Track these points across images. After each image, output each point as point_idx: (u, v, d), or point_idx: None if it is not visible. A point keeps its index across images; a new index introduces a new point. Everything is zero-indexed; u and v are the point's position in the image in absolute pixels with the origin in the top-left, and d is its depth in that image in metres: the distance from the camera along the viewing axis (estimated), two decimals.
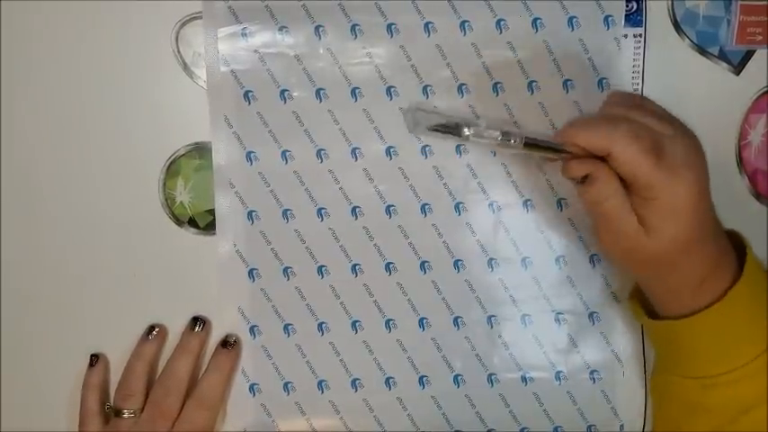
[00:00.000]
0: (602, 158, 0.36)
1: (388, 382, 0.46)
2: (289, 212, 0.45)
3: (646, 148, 0.35)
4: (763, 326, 0.38)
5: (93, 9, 0.43)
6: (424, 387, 0.47)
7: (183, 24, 0.43)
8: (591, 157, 0.37)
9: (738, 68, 0.46)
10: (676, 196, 0.35)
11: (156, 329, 0.45)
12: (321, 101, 0.44)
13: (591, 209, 0.39)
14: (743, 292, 0.37)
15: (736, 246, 0.40)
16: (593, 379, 0.47)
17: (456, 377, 0.47)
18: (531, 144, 0.39)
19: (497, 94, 0.44)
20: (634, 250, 0.38)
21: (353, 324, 0.46)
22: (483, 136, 0.39)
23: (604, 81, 0.45)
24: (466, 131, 0.39)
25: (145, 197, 0.44)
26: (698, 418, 0.40)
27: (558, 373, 0.47)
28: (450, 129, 0.40)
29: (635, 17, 0.44)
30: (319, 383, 0.46)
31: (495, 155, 0.45)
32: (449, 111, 0.44)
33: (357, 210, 0.45)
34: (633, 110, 0.37)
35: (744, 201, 0.47)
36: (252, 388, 0.46)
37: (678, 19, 0.45)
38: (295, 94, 0.44)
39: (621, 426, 0.48)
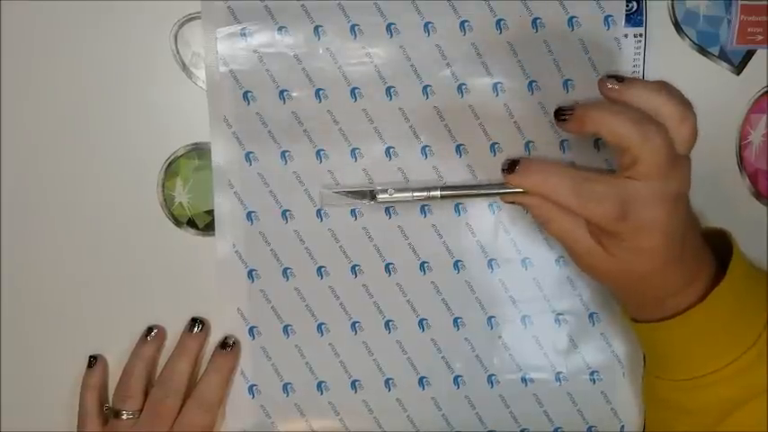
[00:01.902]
0: None
1: (387, 383, 0.46)
2: (288, 213, 0.45)
3: (608, 213, 0.34)
4: (742, 329, 0.37)
5: (92, 9, 0.43)
6: (423, 388, 0.46)
7: (182, 24, 0.43)
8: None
9: (739, 68, 0.46)
10: (640, 241, 0.35)
11: (155, 330, 0.45)
12: (321, 101, 0.44)
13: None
14: (724, 296, 0.37)
15: (724, 245, 0.39)
16: (594, 380, 0.47)
17: (456, 378, 0.47)
18: (452, 191, 0.41)
19: (497, 95, 0.44)
20: (590, 267, 0.38)
21: (353, 325, 0.46)
22: (396, 197, 0.41)
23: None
24: (379, 196, 0.41)
25: (144, 198, 0.44)
26: (683, 420, 0.40)
27: (559, 373, 0.47)
28: (362, 195, 0.42)
29: (635, 17, 0.44)
30: (319, 384, 0.46)
31: (495, 155, 0.45)
32: (445, 112, 0.44)
33: (356, 210, 0.45)
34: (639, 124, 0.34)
35: (744, 201, 0.47)
36: (251, 389, 0.46)
37: (678, 19, 0.45)
38: (294, 94, 0.44)
39: (622, 426, 0.47)
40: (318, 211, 0.45)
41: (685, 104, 0.35)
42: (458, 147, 0.45)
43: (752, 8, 0.45)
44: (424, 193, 0.41)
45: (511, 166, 0.37)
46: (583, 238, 0.37)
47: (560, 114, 0.38)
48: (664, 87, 0.36)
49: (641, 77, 0.44)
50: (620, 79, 0.36)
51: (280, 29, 0.43)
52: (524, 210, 0.45)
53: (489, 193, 0.41)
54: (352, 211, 0.45)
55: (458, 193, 0.42)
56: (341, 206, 0.44)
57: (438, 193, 0.41)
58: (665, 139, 0.34)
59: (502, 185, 0.38)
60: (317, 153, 0.44)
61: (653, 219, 0.35)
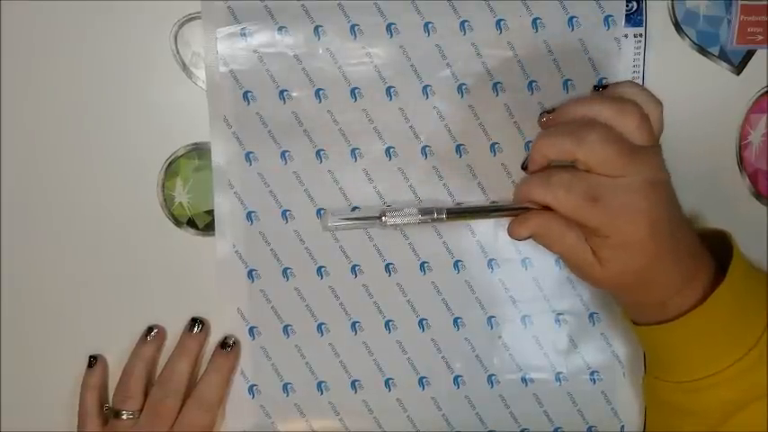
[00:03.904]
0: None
1: (387, 383, 0.46)
2: (288, 213, 0.45)
3: (579, 199, 0.35)
4: (742, 330, 0.37)
5: (93, 9, 0.43)
6: (423, 388, 0.46)
7: (182, 24, 0.43)
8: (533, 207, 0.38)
9: (739, 68, 0.46)
10: (624, 234, 0.35)
11: (155, 330, 0.45)
12: (320, 101, 0.44)
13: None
14: (724, 298, 0.37)
15: (723, 246, 0.39)
16: (594, 380, 0.47)
17: (456, 378, 0.47)
18: (458, 213, 0.41)
19: (497, 94, 0.44)
20: (588, 275, 0.38)
21: (353, 325, 0.46)
22: (402, 218, 0.41)
23: (604, 81, 0.44)
24: (384, 219, 0.41)
25: (144, 198, 0.44)
26: (684, 421, 0.40)
27: (559, 373, 0.47)
28: (367, 219, 0.42)
29: (635, 17, 0.44)
30: (319, 384, 0.46)
31: (495, 155, 0.45)
32: (445, 112, 0.44)
33: (356, 210, 0.45)
34: (583, 129, 0.35)
35: (744, 201, 0.47)
36: (251, 389, 0.46)
37: (678, 19, 0.45)
38: (294, 94, 0.44)
39: (622, 426, 0.47)
40: (318, 211, 0.45)
41: (621, 100, 0.36)
42: (458, 147, 0.45)
43: (752, 8, 0.45)
44: (430, 216, 0.40)
45: None
46: (583, 254, 0.37)
47: (523, 166, 0.39)
48: (597, 95, 0.38)
49: (641, 78, 0.45)
50: (550, 111, 0.39)
51: (280, 29, 0.43)
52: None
53: (493, 215, 0.41)
54: (352, 211, 0.45)
55: (463, 215, 0.42)
56: (344, 230, 0.44)
57: (444, 216, 0.40)
58: (601, 134, 0.35)
59: (505, 206, 0.39)
60: (317, 153, 0.44)
61: (631, 207, 0.35)
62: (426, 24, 0.43)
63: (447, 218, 0.40)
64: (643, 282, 0.37)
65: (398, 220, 0.41)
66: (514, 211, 0.39)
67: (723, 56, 0.46)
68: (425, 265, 0.46)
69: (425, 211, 0.40)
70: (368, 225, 0.43)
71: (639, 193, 0.35)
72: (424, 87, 0.44)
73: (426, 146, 0.45)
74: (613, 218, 0.35)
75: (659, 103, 0.37)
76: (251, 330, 0.45)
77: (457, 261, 0.46)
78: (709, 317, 0.37)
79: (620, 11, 0.44)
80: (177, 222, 0.45)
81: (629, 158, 0.35)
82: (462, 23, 0.43)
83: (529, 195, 0.37)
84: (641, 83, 0.45)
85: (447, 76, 0.44)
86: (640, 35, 0.44)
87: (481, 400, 0.47)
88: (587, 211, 0.35)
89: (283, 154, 0.44)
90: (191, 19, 0.43)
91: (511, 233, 0.39)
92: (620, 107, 0.36)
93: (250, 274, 0.45)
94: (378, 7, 0.43)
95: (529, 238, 0.38)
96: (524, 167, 0.39)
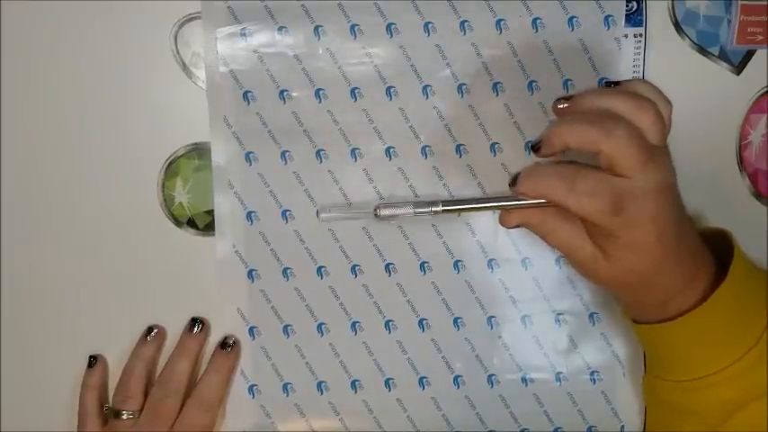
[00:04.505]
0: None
1: (387, 383, 0.46)
2: (288, 213, 0.45)
3: (604, 206, 0.34)
4: (743, 330, 0.37)
5: (93, 9, 0.43)
6: (423, 388, 0.46)
7: (182, 24, 0.43)
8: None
9: (739, 68, 0.46)
10: (634, 236, 0.35)
11: (155, 330, 0.45)
12: (320, 101, 0.44)
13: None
14: (725, 297, 0.37)
15: (724, 245, 0.39)
16: (594, 380, 0.47)
17: (456, 378, 0.47)
18: (454, 206, 0.40)
19: (497, 94, 0.44)
20: (592, 272, 0.38)
21: (353, 325, 0.46)
22: (396, 211, 0.40)
23: (604, 81, 0.44)
24: (379, 211, 0.41)
25: (144, 198, 0.44)
26: (684, 420, 0.40)
27: (559, 374, 0.47)
28: (362, 212, 0.42)
29: (635, 17, 0.44)
30: (319, 384, 0.46)
31: (495, 155, 0.45)
32: (445, 112, 0.44)
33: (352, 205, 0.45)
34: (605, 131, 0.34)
35: (744, 201, 0.47)
36: (251, 389, 0.46)
37: (678, 19, 0.45)
38: (294, 94, 0.44)
39: (622, 426, 0.47)
40: (318, 211, 0.45)
41: (638, 96, 0.35)
42: (458, 147, 0.45)
43: (752, 8, 0.45)
44: (426, 209, 0.40)
45: (514, 180, 0.37)
46: (583, 246, 0.37)
47: (534, 146, 0.38)
48: (613, 88, 0.37)
49: (641, 78, 0.45)
50: (568, 97, 0.37)
51: (280, 29, 0.43)
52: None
53: (490, 207, 0.40)
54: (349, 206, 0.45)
55: (459, 208, 0.41)
56: (340, 221, 0.44)
57: (440, 207, 0.40)
58: (627, 129, 0.34)
59: (502, 198, 0.38)
60: (317, 153, 0.44)
61: (644, 211, 0.35)
62: (426, 24, 0.43)
63: (443, 210, 0.40)
64: (645, 282, 0.37)
65: (392, 212, 0.40)
66: (510, 203, 0.38)
67: (723, 56, 0.46)
68: (425, 265, 0.46)
69: (420, 204, 0.40)
70: (362, 216, 0.43)
71: (652, 196, 0.35)
72: (424, 87, 0.44)
73: (426, 146, 0.45)
74: (628, 224, 0.35)
75: (669, 103, 0.36)
76: (251, 330, 0.45)
77: (457, 261, 0.46)
78: (710, 316, 0.37)
79: (620, 11, 0.44)
80: (177, 222, 0.45)
81: (648, 157, 0.34)
82: (462, 23, 0.43)
83: (546, 193, 0.36)
84: None
85: (447, 76, 0.44)
86: (640, 35, 0.44)
87: (481, 400, 0.47)
88: (607, 218, 0.34)
89: (283, 154, 0.44)
90: (191, 19, 0.43)
91: (501, 221, 0.38)
92: (638, 102, 0.35)
93: (250, 274, 0.45)
94: (378, 7, 0.43)
95: (519, 226, 0.38)
96: (535, 148, 0.37)
